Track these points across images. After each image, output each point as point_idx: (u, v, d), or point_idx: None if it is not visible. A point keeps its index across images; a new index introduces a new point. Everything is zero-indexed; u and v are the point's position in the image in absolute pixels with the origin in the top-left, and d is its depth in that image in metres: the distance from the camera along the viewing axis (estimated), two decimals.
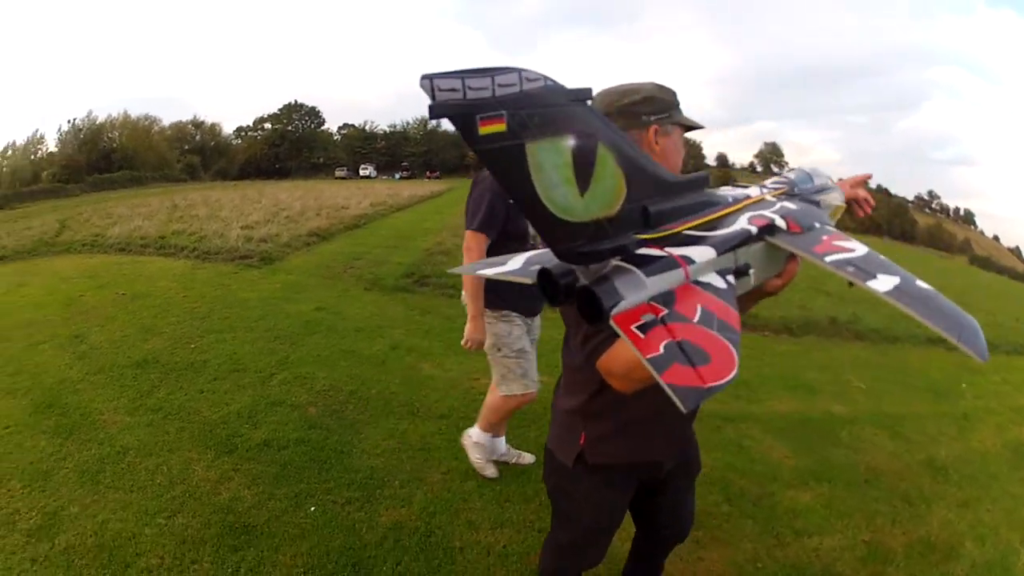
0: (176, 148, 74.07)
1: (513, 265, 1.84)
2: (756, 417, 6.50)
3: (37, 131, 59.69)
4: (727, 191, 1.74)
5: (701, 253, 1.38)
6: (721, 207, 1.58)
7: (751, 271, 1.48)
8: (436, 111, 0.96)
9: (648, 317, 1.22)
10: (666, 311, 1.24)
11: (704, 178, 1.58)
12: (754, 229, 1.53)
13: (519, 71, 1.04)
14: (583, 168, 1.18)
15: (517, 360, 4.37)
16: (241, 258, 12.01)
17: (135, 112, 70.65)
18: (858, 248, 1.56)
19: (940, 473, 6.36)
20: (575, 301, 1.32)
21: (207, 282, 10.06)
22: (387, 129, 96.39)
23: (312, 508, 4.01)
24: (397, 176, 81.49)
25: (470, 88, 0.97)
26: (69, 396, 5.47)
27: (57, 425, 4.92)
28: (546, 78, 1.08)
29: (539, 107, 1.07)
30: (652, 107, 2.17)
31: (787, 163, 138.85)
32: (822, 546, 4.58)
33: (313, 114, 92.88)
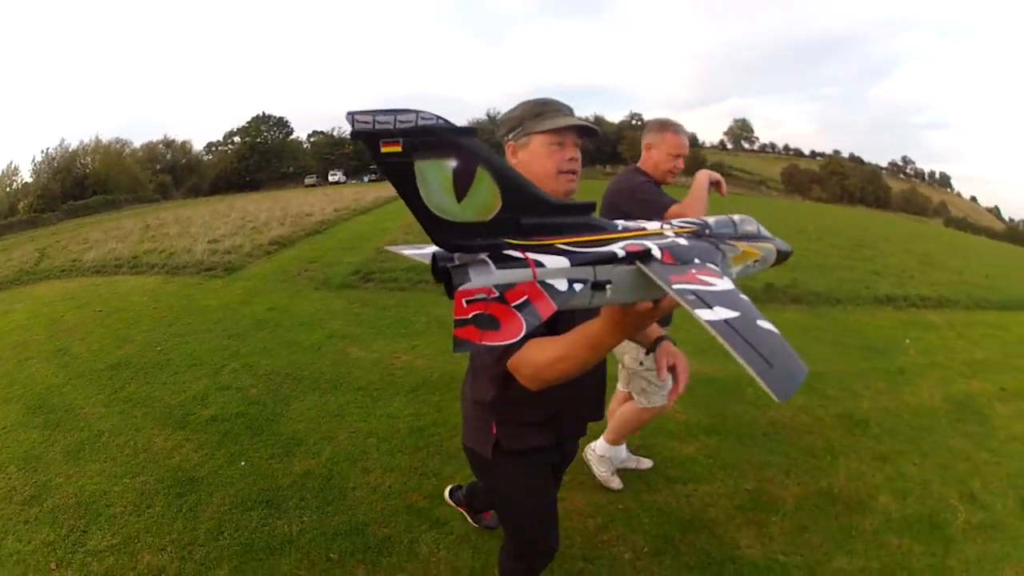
0: (148, 169, 72.11)
1: (427, 250, 2.00)
2: None
3: (11, 163, 59.16)
4: (623, 222, 1.82)
5: (554, 261, 1.52)
6: (604, 231, 1.69)
7: (608, 287, 1.60)
8: (353, 135, 1.22)
9: (480, 296, 1.41)
10: (496, 295, 1.42)
11: (588, 205, 1.68)
12: (621, 252, 1.62)
13: (417, 113, 1.27)
14: (461, 183, 1.38)
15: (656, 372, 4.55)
16: (206, 270, 12.50)
17: (106, 137, 69.82)
18: (721, 285, 1.58)
19: (858, 427, 6.43)
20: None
21: (174, 294, 10.64)
22: None
23: (243, 463, 4.73)
24: (366, 179, 78.14)
25: (378, 122, 1.22)
26: (55, 398, 6.14)
27: (46, 421, 5.58)
28: (439, 118, 1.30)
29: (428, 137, 1.28)
30: (505, 129, 2.54)
31: (757, 138, 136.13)
32: (696, 492, 4.78)
33: (281, 124, 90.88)
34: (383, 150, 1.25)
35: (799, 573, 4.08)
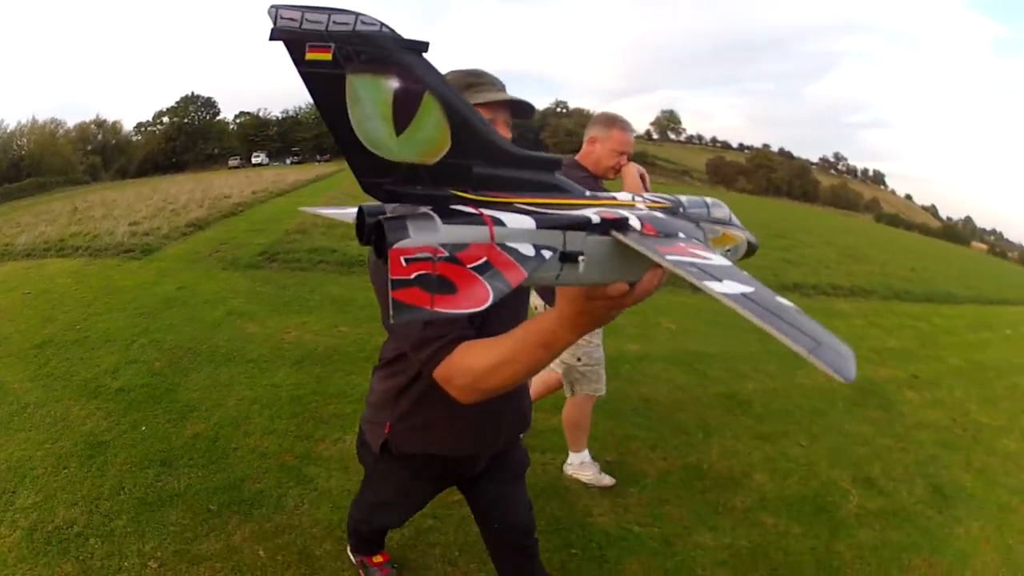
0: (79, 150, 69.25)
1: (349, 210, 1.76)
2: None
3: None
4: (588, 191, 1.44)
5: (516, 220, 1.19)
6: (570, 195, 1.36)
7: (581, 259, 1.25)
8: (273, 34, 0.94)
9: (424, 255, 1.07)
10: (445, 254, 1.09)
11: (555, 160, 1.34)
12: (596, 219, 1.29)
13: (357, 15, 1.00)
14: (403, 110, 1.08)
15: (595, 368, 4.39)
16: (126, 252, 12.29)
17: (43, 117, 67.55)
18: (717, 260, 1.27)
19: (739, 407, 6.36)
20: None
21: (95, 275, 10.59)
22: (280, 115, 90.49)
23: (143, 428, 4.97)
24: (288, 162, 76.04)
25: (307, 20, 0.95)
26: None
27: None
28: (383, 25, 1.03)
29: (367, 46, 1.01)
30: None
31: (684, 129, 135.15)
32: (553, 462, 4.75)
33: (208, 104, 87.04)
34: (308, 56, 0.98)
35: (654, 544, 4.02)
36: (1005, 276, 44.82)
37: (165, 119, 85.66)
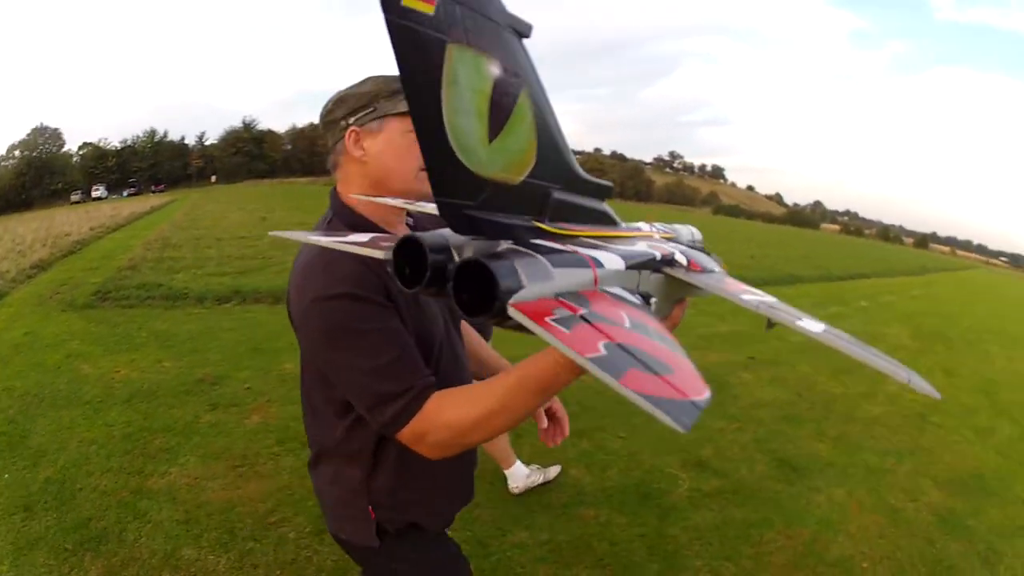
0: None
1: (358, 239, 1.23)
2: None
3: None
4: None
5: (610, 260, 0.94)
6: (619, 227, 1.16)
7: (653, 301, 1.05)
8: None
9: (563, 312, 0.75)
10: (584, 310, 0.78)
11: (609, 187, 1.08)
12: (658, 255, 1.10)
13: None
14: (499, 108, 0.79)
15: None
16: None
17: None
18: (767, 295, 1.10)
19: None
20: (448, 284, 0.82)
21: None
22: (119, 145, 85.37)
23: (6, 476, 4.89)
24: (125, 194, 71.55)
25: None
26: None
27: None
28: None
29: (477, 11, 0.73)
30: (345, 109, 1.55)
31: None
32: None
33: (55, 136, 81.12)
34: (406, 2, 0.67)
35: (467, 547, 3.53)
36: (861, 253, 46.84)
37: (17, 152, 79.81)
